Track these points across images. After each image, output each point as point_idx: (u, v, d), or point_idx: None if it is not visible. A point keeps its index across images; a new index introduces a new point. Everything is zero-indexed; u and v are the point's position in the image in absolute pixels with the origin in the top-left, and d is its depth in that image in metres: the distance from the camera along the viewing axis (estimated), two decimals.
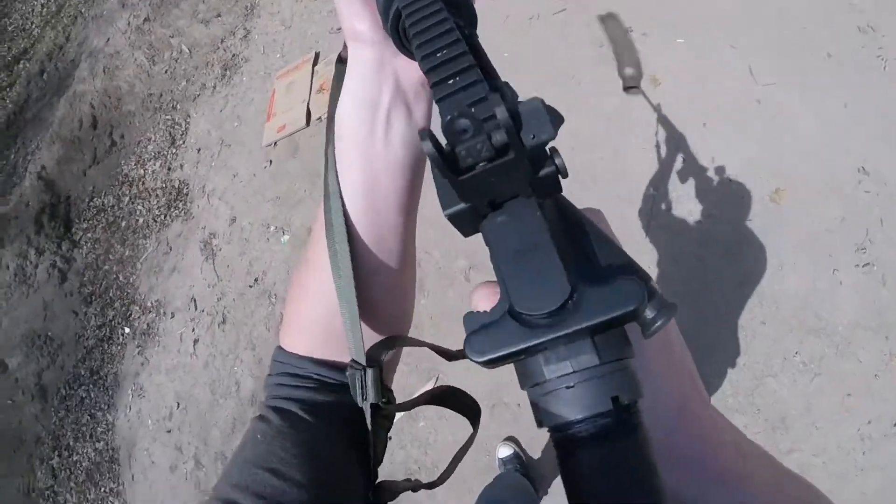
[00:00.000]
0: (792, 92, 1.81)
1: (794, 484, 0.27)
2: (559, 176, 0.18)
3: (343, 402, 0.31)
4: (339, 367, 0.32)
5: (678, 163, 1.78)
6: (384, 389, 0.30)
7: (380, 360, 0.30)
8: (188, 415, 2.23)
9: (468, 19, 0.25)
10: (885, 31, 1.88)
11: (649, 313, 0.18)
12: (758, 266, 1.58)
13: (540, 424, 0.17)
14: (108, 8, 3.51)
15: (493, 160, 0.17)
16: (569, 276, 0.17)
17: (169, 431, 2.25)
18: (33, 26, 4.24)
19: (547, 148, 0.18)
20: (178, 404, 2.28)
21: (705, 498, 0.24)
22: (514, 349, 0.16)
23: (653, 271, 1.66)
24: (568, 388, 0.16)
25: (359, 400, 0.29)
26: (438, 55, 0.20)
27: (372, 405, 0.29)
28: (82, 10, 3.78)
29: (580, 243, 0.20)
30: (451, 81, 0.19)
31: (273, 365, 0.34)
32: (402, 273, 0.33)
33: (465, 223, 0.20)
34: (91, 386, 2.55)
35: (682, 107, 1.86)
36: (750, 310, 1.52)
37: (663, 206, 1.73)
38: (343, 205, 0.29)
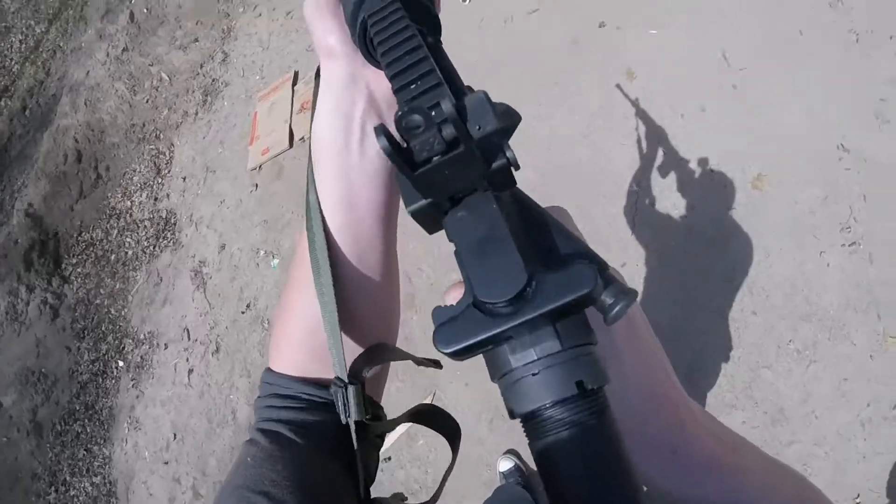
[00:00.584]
0: (767, 74, 1.81)
1: (785, 475, 0.27)
2: (511, 168, 0.18)
3: (332, 421, 0.30)
4: (326, 385, 0.32)
5: (659, 156, 1.78)
6: (371, 405, 0.30)
7: (362, 377, 0.30)
8: (185, 445, 2.20)
9: (431, 27, 0.25)
10: (854, 5, 1.86)
11: (608, 299, 0.18)
12: (745, 255, 1.57)
13: (511, 415, 0.17)
14: (85, 40, 3.51)
15: (445, 153, 0.17)
16: (526, 264, 0.17)
17: (166, 463, 2.22)
18: (13, 63, 4.24)
19: (498, 141, 0.18)
20: (175, 435, 2.26)
21: (690, 488, 0.23)
22: (479, 338, 0.17)
23: (640, 268, 1.65)
24: (533, 375, 0.16)
25: (343, 417, 0.29)
26: (400, 62, 0.21)
27: (356, 422, 0.29)
28: (60, 44, 3.79)
29: (539, 235, 0.20)
30: (412, 87, 0.20)
31: (262, 387, 0.34)
32: (385, 287, 0.33)
33: (428, 220, 0.20)
34: (86, 421, 2.52)
35: (660, 99, 1.86)
36: (740, 301, 1.51)
37: (647, 202, 1.73)
38: (323, 219, 0.30)
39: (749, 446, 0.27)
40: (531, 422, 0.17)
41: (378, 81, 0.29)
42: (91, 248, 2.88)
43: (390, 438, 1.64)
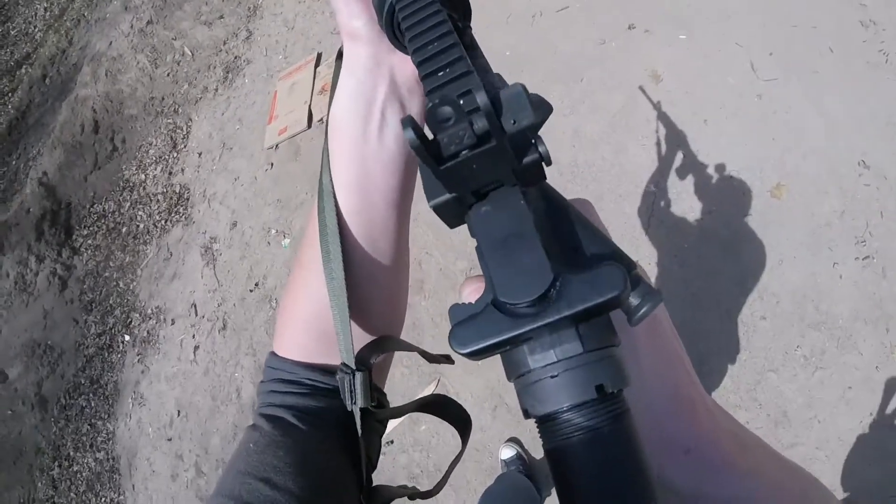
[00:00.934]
0: (793, 87, 1.81)
1: (797, 476, 0.26)
2: (543, 164, 0.18)
3: (336, 407, 0.30)
4: (331, 371, 0.31)
5: (678, 159, 1.78)
6: (376, 392, 0.30)
7: (369, 363, 0.29)
8: (189, 422, 2.21)
9: (462, 11, 0.25)
10: (887, 26, 1.88)
11: (634, 300, 0.18)
12: (758, 261, 1.58)
13: (526, 415, 0.17)
14: (110, 11, 3.52)
15: (475, 147, 0.16)
16: (552, 264, 0.16)
17: (169, 440, 2.23)
18: (36, 30, 4.26)
19: (531, 135, 0.17)
20: (179, 412, 2.26)
21: (703, 487, 0.23)
22: (498, 339, 0.16)
23: (653, 268, 1.66)
24: (552, 377, 0.16)
25: (348, 404, 0.29)
26: (429, 47, 0.20)
27: (361, 409, 0.29)
28: (85, 14, 3.79)
29: (565, 232, 0.20)
30: (440, 73, 0.19)
31: (266, 371, 0.34)
32: (394, 273, 0.33)
33: (451, 214, 0.20)
34: (91, 395, 2.53)
35: (684, 103, 1.86)
36: (750, 305, 1.52)
37: (663, 203, 1.73)
38: (336, 203, 0.29)
39: (764, 446, 0.26)
40: (547, 424, 0.17)
41: (402, 68, 0.28)
42: (103, 220, 2.88)
43: (393, 422, 1.66)
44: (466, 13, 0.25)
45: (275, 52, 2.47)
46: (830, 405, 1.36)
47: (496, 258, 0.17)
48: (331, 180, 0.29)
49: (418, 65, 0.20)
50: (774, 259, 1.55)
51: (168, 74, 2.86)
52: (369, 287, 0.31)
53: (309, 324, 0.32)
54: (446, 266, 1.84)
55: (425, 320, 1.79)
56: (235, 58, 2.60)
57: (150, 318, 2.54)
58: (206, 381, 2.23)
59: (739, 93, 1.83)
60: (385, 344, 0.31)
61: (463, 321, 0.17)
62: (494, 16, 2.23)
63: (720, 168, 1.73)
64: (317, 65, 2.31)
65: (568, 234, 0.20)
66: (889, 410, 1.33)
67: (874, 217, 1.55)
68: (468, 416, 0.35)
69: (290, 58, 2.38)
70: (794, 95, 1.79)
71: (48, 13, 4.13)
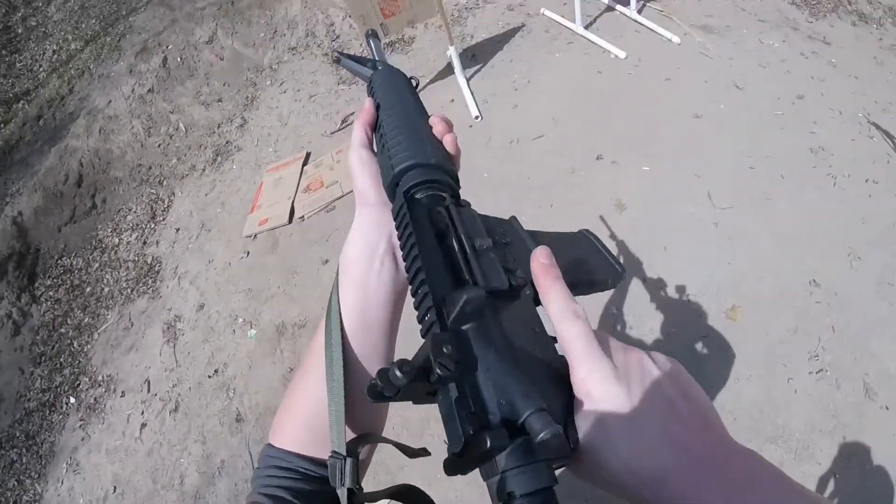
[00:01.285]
0: (748, 214, 1.95)
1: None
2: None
3: (324, 492, 0.35)
4: (319, 463, 0.37)
5: (639, 284, 1.87)
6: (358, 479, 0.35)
7: (356, 453, 0.35)
8: (124, 502, 2.08)
9: (452, 193, 0.35)
10: (835, 151, 2.09)
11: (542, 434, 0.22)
12: (715, 380, 1.63)
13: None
14: (116, 70, 3.64)
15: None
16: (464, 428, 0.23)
17: None
18: (40, 69, 4.33)
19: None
20: (115, 488, 2.14)
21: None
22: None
23: None
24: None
25: (337, 485, 0.33)
26: (409, 268, 0.30)
27: (348, 489, 0.33)
28: (91, 66, 3.91)
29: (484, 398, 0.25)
30: (416, 293, 0.28)
31: (263, 459, 0.39)
32: None
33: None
34: (24, 450, 2.38)
35: (645, 231, 1.99)
36: None
37: (625, 326, 1.80)
38: (341, 321, 0.37)
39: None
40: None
41: None
42: (68, 275, 2.84)
43: None
44: (455, 195, 0.35)
45: (266, 143, 2.57)
46: None
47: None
48: (338, 301, 0.37)
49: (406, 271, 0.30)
50: (731, 378, 1.62)
51: (159, 145, 2.93)
52: (360, 393, 0.36)
53: (307, 420, 0.38)
54: None
55: (393, 417, 1.79)
56: (227, 142, 2.69)
57: (100, 386, 2.45)
58: (148, 462, 2.12)
59: (698, 220, 1.97)
60: (370, 437, 0.37)
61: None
62: (475, 138, 2.40)
63: (679, 291, 1.82)
64: (304, 163, 2.41)
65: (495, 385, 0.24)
66: None
67: (826, 332, 1.65)
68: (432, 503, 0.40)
69: (280, 152, 2.48)
70: (749, 222, 1.93)
71: (56, 56, 4.23)
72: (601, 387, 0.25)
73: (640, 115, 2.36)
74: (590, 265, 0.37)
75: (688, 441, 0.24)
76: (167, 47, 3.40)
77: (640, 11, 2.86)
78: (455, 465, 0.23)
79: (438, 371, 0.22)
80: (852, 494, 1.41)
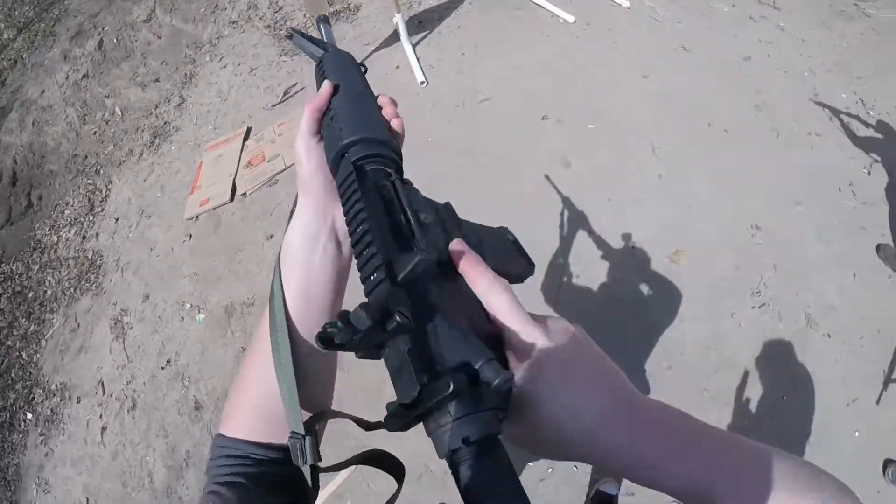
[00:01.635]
0: (691, 165, 1.99)
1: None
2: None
3: (279, 472, 0.37)
4: (271, 447, 0.38)
5: (585, 236, 1.89)
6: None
7: (314, 430, 0.36)
8: None
9: (397, 167, 0.37)
10: (779, 107, 2.15)
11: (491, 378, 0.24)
12: (661, 320, 1.68)
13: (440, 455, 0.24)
14: (49, 57, 3.42)
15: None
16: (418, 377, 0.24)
17: None
18: None
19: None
20: (87, 500, 2.05)
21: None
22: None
23: None
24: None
25: (300, 463, 0.34)
26: (354, 230, 0.31)
27: (311, 466, 0.34)
28: (23, 55, 3.67)
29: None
30: (361, 255, 0.29)
31: (214, 450, 0.39)
32: (327, 359, 0.41)
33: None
34: None
35: (590, 185, 1.99)
36: (655, 357, 1.59)
37: (571, 274, 1.82)
38: (285, 305, 0.37)
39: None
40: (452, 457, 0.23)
41: (342, 218, 0.37)
42: (9, 283, 2.68)
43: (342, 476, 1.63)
44: (400, 171, 0.37)
45: (205, 121, 2.45)
46: (740, 433, 1.42)
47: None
48: (281, 287, 0.38)
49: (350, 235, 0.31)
50: (677, 318, 1.66)
51: (95, 132, 2.77)
52: (308, 371, 0.37)
53: (258, 407, 0.38)
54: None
55: (345, 392, 1.76)
56: (165, 123, 2.55)
57: (55, 395, 2.34)
58: (115, 466, 2.03)
59: (642, 172, 1.99)
60: (325, 415, 0.38)
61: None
62: (421, 104, 2.32)
63: (624, 239, 1.86)
64: (245, 138, 2.30)
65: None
66: (796, 437, 1.44)
67: (768, 270, 1.70)
68: (402, 466, 0.41)
69: (220, 129, 2.37)
70: (692, 173, 1.97)
71: None
72: (536, 344, 0.27)
73: (587, 77, 2.36)
74: (505, 259, 0.39)
75: (614, 384, 0.27)
76: (103, 29, 3.20)
77: None
78: (398, 419, 0.24)
79: (398, 318, 0.22)
80: (801, 413, 1.45)
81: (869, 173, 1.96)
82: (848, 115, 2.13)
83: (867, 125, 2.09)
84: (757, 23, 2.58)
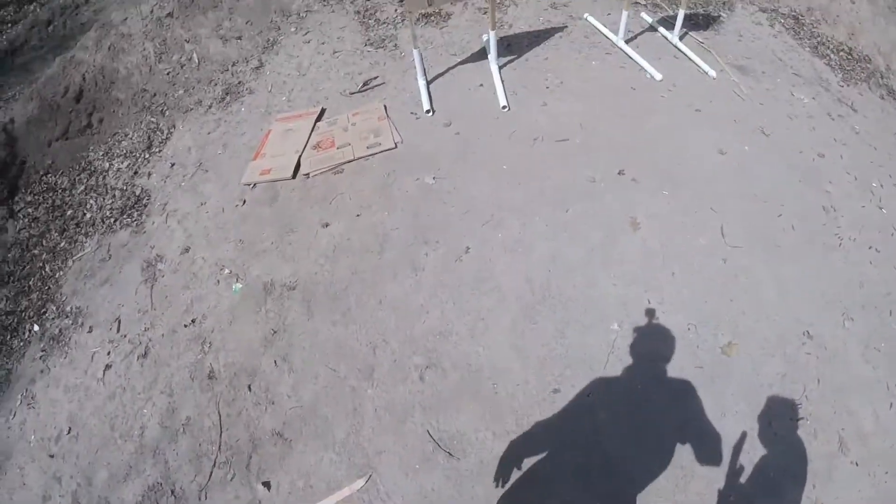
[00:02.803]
0: (756, 256, 1.98)
1: None
2: None
3: None
4: None
5: (644, 305, 1.87)
6: None
7: None
8: (78, 445, 1.96)
9: None
10: (845, 213, 2.15)
11: None
12: (703, 410, 1.64)
13: None
14: None
15: None
16: None
17: (52, 456, 1.98)
18: None
19: None
20: (70, 429, 2.02)
21: None
22: None
23: (599, 399, 1.67)
24: None
25: None
26: None
27: None
28: None
29: None
30: None
31: None
32: None
33: None
34: None
35: (656, 253, 1.98)
36: (689, 451, 1.57)
37: (624, 344, 1.79)
38: None
39: None
40: None
41: None
42: (51, 194, 2.69)
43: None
44: None
45: (280, 91, 2.44)
46: None
47: None
48: None
49: None
50: (717, 411, 1.64)
51: (168, 73, 2.78)
52: None
53: None
54: (401, 359, 1.79)
55: (369, 410, 1.71)
56: (239, 83, 2.55)
57: (67, 317, 2.33)
58: (109, 406, 2.00)
59: (707, 253, 1.98)
60: None
61: None
62: (499, 128, 2.31)
63: (681, 319, 1.83)
64: (318, 119, 2.30)
65: None
66: None
67: (811, 383, 1.69)
68: None
69: (293, 103, 2.36)
70: (756, 263, 1.96)
71: None
72: None
73: (667, 140, 2.35)
74: None
75: None
76: None
77: (681, 38, 2.84)
78: None
79: None
80: None
81: None
82: None
83: None
84: (834, 121, 2.57)
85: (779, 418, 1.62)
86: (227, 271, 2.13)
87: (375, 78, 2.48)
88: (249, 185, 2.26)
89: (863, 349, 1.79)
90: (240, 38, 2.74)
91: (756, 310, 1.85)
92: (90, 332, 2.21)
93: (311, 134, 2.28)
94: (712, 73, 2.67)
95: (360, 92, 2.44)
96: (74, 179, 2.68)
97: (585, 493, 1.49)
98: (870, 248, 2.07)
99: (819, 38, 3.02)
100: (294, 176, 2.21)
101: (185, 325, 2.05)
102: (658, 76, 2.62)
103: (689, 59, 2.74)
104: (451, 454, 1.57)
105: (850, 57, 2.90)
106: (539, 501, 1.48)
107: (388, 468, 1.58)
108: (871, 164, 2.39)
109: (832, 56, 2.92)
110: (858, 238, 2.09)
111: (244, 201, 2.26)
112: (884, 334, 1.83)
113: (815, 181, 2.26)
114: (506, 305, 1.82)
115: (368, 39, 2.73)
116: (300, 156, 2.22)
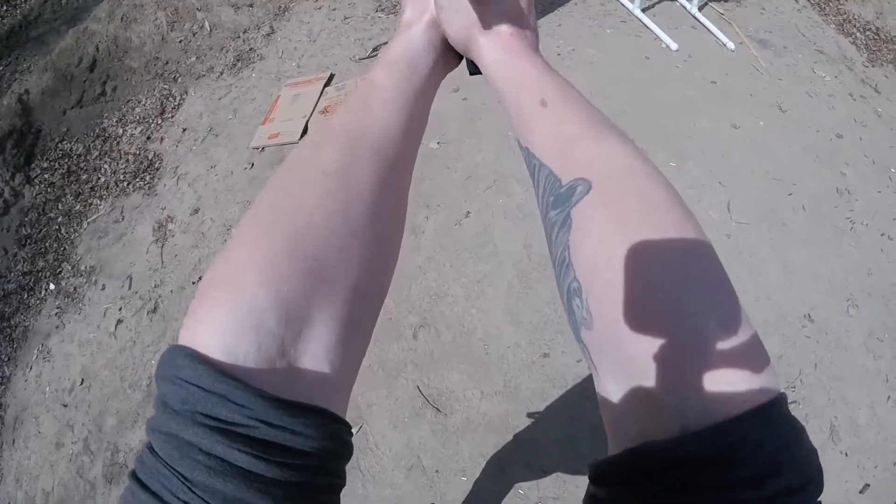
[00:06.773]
0: (762, 234, 1.94)
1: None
2: None
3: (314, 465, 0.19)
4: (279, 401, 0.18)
5: None
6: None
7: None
8: (89, 395, 2.06)
9: None
10: (860, 197, 2.08)
11: None
12: None
13: None
14: None
15: None
16: None
17: (65, 406, 2.08)
18: None
19: None
20: (82, 381, 2.12)
21: None
22: None
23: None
24: None
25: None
26: None
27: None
28: None
29: None
30: None
31: (173, 366, 0.20)
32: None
33: None
34: None
35: None
36: None
37: None
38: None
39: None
40: None
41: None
42: (66, 160, 2.76)
43: None
44: None
45: (290, 57, 2.45)
46: None
47: None
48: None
49: None
50: None
51: (180, 41, 2.80)
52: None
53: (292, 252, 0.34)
54: (396, 317, 1.81)
55: (363, 363, 1.76)
56: (251, 49, 2.57)
57: (81, 276, 2.41)
58: (119, 359, 2.09)
59: (712, 228, 1.94)
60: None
61: None
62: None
63: None
64: (326, 84, 2.31)
65: None
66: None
67: (808, 367, 1.66)
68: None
69: (303, 69, 2.37)
70: (762, 242, 1.92)
71: None
72: None
73: (679, 111, 2.29)
74: None
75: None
76: None
77: (700, 8, 2.76)
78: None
79: None
80: None
81: None
82: None
83: None
84: (856, 101, 2.49)
85: None
86: (234, 231, 2.16)
87: (385, 43, 2.48)
88: (258, 148, 2.29)
89: (865, 338, 1.74)
90: (251, 5, 2.75)
91: (758, 289, 1.81)
92: (103, 289, 2.28)
93: (319, 99, 2.28)
94: (731, 45, 2.60)
95: (369, 57, 2.44)
96: (89, 146, 2.73)
97: (571, 460, 1.50)
98: (882, 234, 2.01)
99: (846, 16, 2.91)
100: (301, 140, 2.23)
101: (193, 283, 2.11)
102: (674, 46, 2.56)
103: (708, 29, 2.66)
104: (438, 409, 1.60)
105: (876, 37, 2.80)
106: (525, 463, 1.49)
107: (377, 420, 1.61)
108: (891, 148, 2.30)
109: (858, 35, 2.81)
110: (871, 224, 2.03)
111: (252, 164, 2.29)
112: (889, 325, 1.78)
113: (830, 162, 2.19)
114: (502, 270, 1.82)
115: (380, 5, 2.72)
116: (308, 120, 2.24)
